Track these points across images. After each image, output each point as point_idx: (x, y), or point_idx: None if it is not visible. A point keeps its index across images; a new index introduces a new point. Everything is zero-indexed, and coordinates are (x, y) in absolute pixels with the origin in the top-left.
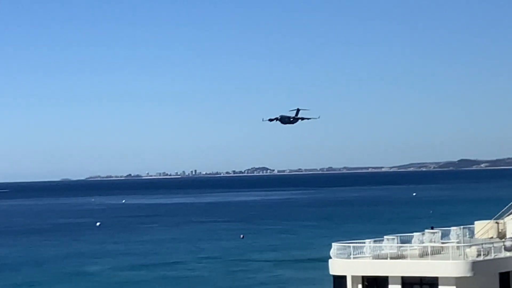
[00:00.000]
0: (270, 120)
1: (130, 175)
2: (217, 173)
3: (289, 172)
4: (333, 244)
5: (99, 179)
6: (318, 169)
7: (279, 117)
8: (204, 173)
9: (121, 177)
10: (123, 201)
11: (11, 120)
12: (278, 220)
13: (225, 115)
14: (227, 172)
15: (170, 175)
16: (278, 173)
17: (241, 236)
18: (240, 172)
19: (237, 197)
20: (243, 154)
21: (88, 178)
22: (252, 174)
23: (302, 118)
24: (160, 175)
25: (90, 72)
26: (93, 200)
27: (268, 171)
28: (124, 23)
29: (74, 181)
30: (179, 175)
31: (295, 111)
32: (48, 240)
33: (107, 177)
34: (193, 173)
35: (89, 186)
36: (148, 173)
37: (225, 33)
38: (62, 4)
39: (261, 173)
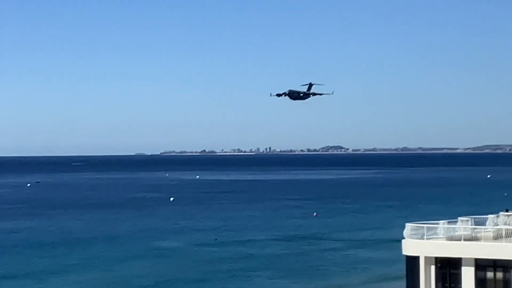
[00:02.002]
0: (278, 95)
1: (204, 150)
2: (291, 151)
3: (364, 151)
4: (406, 224)
5: (173, 154)
6: (393, 148)
7: (287, 92)
8: (278, 150)
9: (195, 152)
10: (197, 176)
11: (88, 96)
12: (352, 199)
13: None
14: (301, 150)
15: (244, 152)
16: (353, 152)
17: (315, 214)
18: (315, 150)
19: (311, 175)
20: (318, 133)
21: (163, 153)
22: (327, 153)
23: (314, 94)
24: (234, 152)
25: (165, 51)
26: (167, 175)
27: (343, 149)
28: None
29: (149, 156)
30: (253, 152)
31: (307, 86)
32: (122, 214)
33: (181, 152)
34: (268, 150)
35: (164, 161)
36: (222, 149)
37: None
38: None
39: (335, 152)
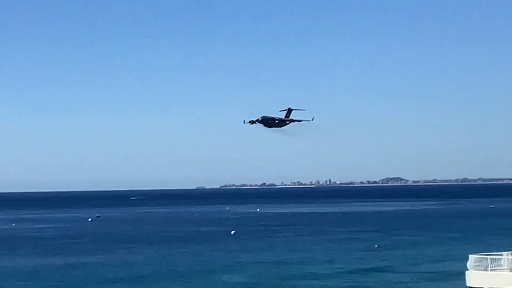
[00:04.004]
0: (251, 122)
1: (264, 184)
2: (351, 183)
3: (424, 182)
4: (470, 256)
5: (233, 187)
6: (453, 179)
7: (260, 119)
8: (338, 182)
9: (255, 185)
10: (258, 209)
11: (147, 130)
12: (413, 231)
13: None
14: (361, 182)
15: (304, 184)
16: (413, 184)
17: (376, 246)
18: (374, 182)
19: (371, 207)
20: (377, 164)
21: (223, 186)
22: (387, 185)
23: (293, 120)
24: (294, 184)
25: (221, 82)
26: (227, 208)
27: (403, 181)
28: None
29: (209, 189)
30: (313, 184)
31: (285, 112)
32: (183, 248)
33: (241, 185)
34: (327, 182)
35: (224, 194)
36: (282, 182)
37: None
38: None
39: (395, 184)
